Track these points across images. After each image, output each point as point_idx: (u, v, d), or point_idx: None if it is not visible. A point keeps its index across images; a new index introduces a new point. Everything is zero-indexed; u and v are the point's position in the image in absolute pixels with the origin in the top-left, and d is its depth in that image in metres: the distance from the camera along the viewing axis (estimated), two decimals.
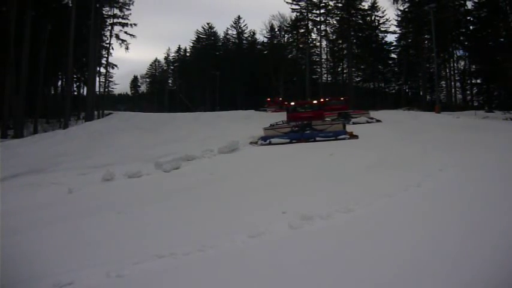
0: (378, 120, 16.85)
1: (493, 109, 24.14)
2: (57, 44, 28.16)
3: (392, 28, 42.20)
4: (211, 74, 49.88)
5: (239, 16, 58.75)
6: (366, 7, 42.72)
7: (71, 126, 24.60)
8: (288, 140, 11.32)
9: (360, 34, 42.84)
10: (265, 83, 45.95)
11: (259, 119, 21.04)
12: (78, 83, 40.17)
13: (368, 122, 16.66)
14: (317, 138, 11.20)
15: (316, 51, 45.32)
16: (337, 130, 11.72)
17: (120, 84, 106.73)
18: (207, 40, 59.75)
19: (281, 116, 16.29)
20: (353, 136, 11.32)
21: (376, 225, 3.52)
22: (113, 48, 39.26)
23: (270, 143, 11.13)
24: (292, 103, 15.49)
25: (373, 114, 18.72)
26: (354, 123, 15.86)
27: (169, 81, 70.12)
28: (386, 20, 43.06)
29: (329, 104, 19.48)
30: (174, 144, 12.61)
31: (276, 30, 48.86)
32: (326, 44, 45.01)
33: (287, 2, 42.43)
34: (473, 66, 35.44)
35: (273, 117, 18.52)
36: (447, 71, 37.72)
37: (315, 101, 15.76)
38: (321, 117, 13.80)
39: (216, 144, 9.96)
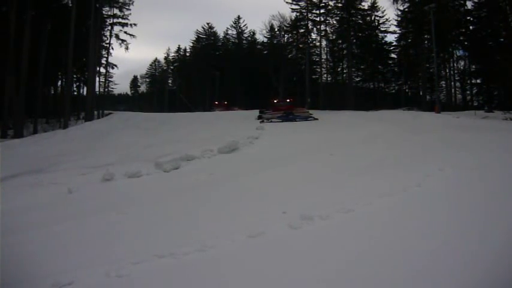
0: (312, 113, 21.73)
1: (492, 109, 24.07)
2: (57, 44, 28.09)
3: (392, 28, 42.00)
4: (211, 74, 49.72)
5: (239, 16, 58.64)
6: (366, 7, 42.60)
7: (71, 126, 24.49)
8: (280, 120, 19.02)
9: (360, 34, 42.70)
10: (265, 83, 45.89)
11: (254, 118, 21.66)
12: (78, 83, 40.02)
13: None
14: (296, 120, 19.11)
15: (316, 51, 45.15)
16: (307, 115, 19.91)
17: (120, 84, 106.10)
18: (206, 40, 59.58)
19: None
20: (315, 119, 18.78)
21: (376, 225, 3.52)
22: (112, 48, 39.13)
23: (271, 121, 18.59)
24: (275, 100, 24.57)
25: (373, 114, 21.26)
26: None
27: (169, 81, 70.02)
28: (386, 20, 42.87)
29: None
30: (174, 144, 12.55)
31: (276, 30, 48.61)
32: (326, 44, 44.81)
33: (287, 2, 42.29)
34: (473, 66, 35.39)
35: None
36: (447, 71, 37.65)
37: (288, 100, 24.47)
38: (292, 108, 21.24)
39: (216, 144, 9.94)
